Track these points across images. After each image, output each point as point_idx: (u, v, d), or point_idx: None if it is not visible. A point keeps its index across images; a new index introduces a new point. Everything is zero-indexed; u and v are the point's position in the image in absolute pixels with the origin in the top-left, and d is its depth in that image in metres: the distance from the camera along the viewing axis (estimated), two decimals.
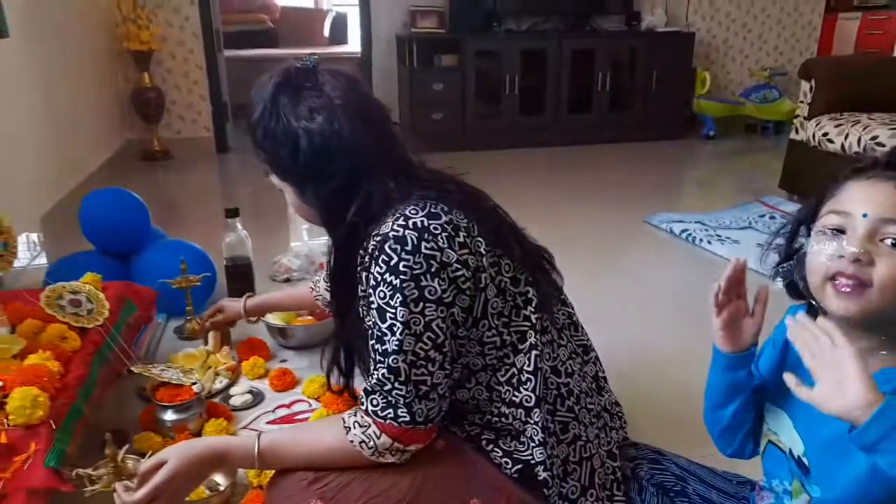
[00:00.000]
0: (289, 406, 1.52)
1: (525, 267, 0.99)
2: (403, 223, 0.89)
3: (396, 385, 0.89)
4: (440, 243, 0.89)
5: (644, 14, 4.66)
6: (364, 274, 0.94)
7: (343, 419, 0.95)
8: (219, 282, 2.00)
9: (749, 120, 4.92)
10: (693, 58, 4.69)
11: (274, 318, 1.78)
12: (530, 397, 0.97)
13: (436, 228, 0.89)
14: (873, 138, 2.54)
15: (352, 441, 0.92)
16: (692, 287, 2.20)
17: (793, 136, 3.02)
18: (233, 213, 1.92)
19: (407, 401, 0.89)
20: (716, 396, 0.88)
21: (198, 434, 1.35)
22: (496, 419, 1.00)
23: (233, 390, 1.55)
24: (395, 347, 0.88)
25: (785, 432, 0.84)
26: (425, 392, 0.90)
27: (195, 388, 1.38)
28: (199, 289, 1.84)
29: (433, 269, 0.88)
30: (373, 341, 0.91)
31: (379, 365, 0.90)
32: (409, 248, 0.88)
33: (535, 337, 0.97)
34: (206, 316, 1.69)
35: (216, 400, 1.51)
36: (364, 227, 0.96)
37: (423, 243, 0.88)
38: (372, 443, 0.91)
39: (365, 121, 0.98)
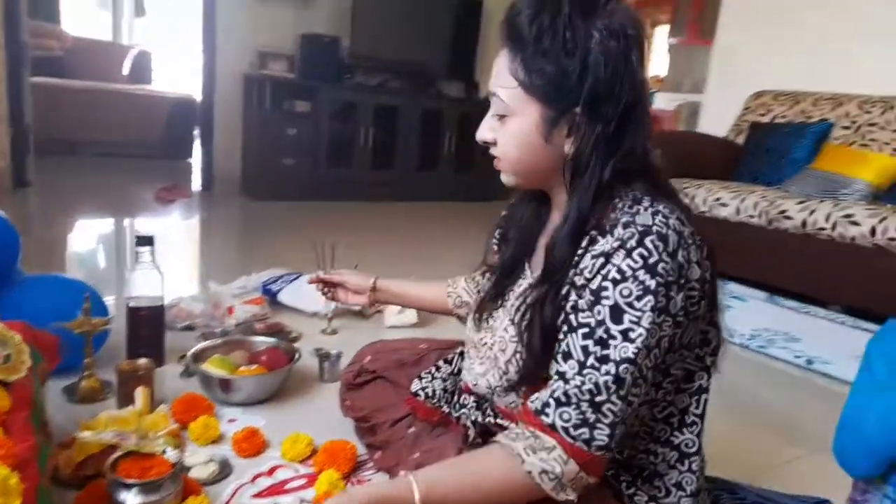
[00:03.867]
0: (270, 474, 1.21)
1: (711, 306, 0.87)
2: (664, 220, 0.75)
3: (613, 399, 0.73)
4: (692, 256, 0.77)
5: (482, 84, 4.96)
6: (600, 261, 0.76)
7: (510, 447, 0.76)
8: (112, 330, 1.58)
9: None
10: None
11: (214, 368, 1.45)
12: (693, 442, 0.87)
13: (688, 238, 0.77)
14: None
15: (530, 471, 0.74)
16: None
17: None
18: (145, 241, 1.55)
19: (615, 420, 0.74)
20: None
21: None
22: (641, 455, 0.88)
23: (188, 460, 1.20)
24: (631, 355, 0.73)
25: None
26: (629, 414, 0.76)
27: (171, 459, 1.04)
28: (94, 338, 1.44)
29: (681, 282, 0.76)
30: (588, 341, 0.75)
31: (591, 370, 0.74)
32: (670, 250, 0.74)
33: (704, 380, 0.87)
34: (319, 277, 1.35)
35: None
36: (607, 192, 0.80)
37: (681, 250, 0.75)
38: (559, 469, 0.73)
39: (643, 67, 0.82)
